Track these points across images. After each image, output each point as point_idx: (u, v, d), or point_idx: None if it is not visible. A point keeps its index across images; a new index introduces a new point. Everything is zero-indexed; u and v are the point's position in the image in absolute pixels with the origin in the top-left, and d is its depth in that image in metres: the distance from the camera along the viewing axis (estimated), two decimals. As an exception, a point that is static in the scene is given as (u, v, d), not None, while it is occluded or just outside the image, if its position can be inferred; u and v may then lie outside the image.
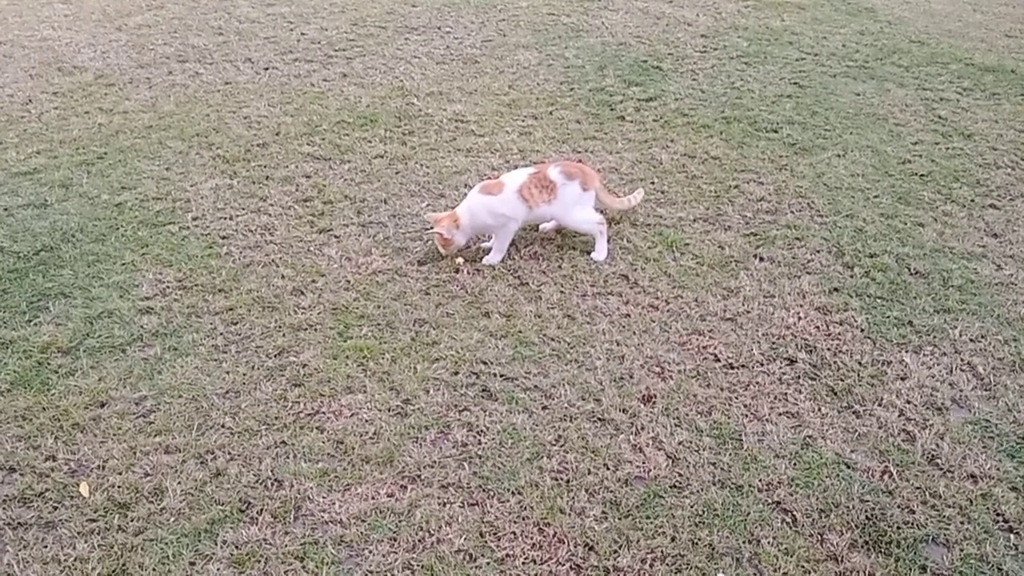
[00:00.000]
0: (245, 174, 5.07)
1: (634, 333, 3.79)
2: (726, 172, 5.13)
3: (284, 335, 3.76)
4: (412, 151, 5.36)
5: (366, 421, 3.29)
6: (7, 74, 6.53)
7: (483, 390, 3.46)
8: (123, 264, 4.22)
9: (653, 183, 5.01)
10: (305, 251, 4.36)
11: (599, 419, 3.33)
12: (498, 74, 6.54)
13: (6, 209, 4.69)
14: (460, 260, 4.29)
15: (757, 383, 3.51)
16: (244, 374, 3.53)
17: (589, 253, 4.33)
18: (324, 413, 3.34)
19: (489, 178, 4.94)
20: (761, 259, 4.32)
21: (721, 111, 5.92)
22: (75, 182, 4.97)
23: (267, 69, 6.61)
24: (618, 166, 5.20)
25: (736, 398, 3.43)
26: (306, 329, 3.80)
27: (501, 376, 3.53)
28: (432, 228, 4.22)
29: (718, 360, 3.65)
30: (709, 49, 7.09)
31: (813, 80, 6.46)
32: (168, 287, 4.06)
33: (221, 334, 3.76)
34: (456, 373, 3.55)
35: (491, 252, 4.30)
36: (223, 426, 3.27)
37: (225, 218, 4.63)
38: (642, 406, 3.38)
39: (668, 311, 3.94)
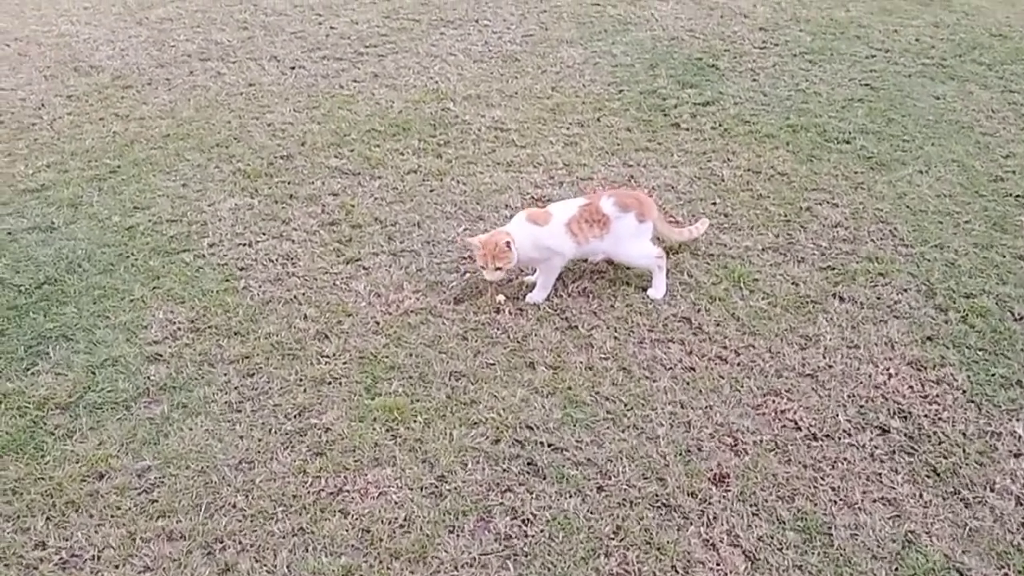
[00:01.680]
0: (267, 192, 4.66)
1: (700, 392, 3.33)
2: (796, 191, 4.62)
3: (305, 390, 3.35)
4: (448, 165, 4.91)
5: (396, 503, 2.88)
6: (21, 74, 6.17)
7: (528, 464, 3.03)
8: (132, 300, 3.84)
9: (715, 204, 4.52)
10: (331, 285, 3.95)
11: (664, 505, 2.88)
12: (540, 74, 6.05)
13: (10, 233, 4.33)
14: (501, 298, 3.85)
15: (846, 459, 3.04)
16: (260, 439, 3.14)
17: (645, 290, 3.86)
18: (348, 492, 2.93)
19: (533, 199, 4.49)
20: (841, 299, 3.82)
21: (786, 117, 5.38)
22: (85, 201, 4.59)
23: (293, 68, 6.18)
24: (675, 183, 4.70)
25: (822, 478, 2.97)
26: (330, 383, 3.39)
27: (549, 446, 3.10)
28: (474, 255, 3.76)
29: (799, 429, 3.18)
30: (769, 44, 6.53)
31: (886, 81, 5.88)
32: (179, 328, 3.67)
33: (236, 388, 3.37)
34: (498, 441, 3.12)
35: (535, 289, 3.85)
36: (234, 506, 2.88)
37: (244, 244, 4.23)
38: (713, 488, 2.93)
39: (738, 364, 3.47)
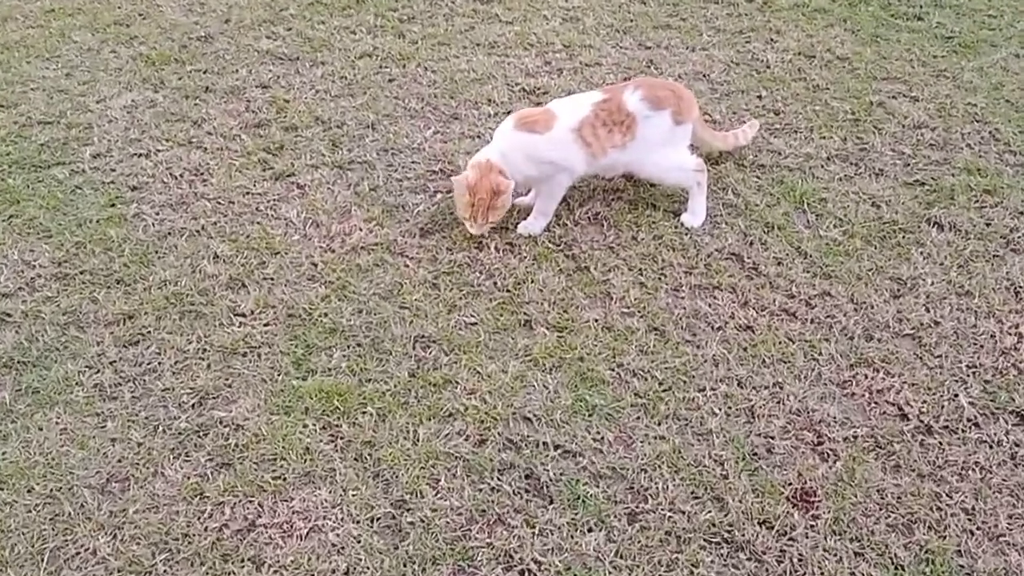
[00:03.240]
0: (176, 83, 3.56)
1: (764, 364, 2.39)
2: (862, 81, 3.58)
3: (210, 366, 2.38)
4: (412, 47, 3.80)
5: (333, 546, 1.95)
6: None
7: (527, 478, 2.11)
8: (-22, 233, 2.80)
9: (760, 97, 3.48)
10: (252, 211, 2.92)
11: (725, 541, 1.98)
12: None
13: None
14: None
15: (978, 464, 2.14)
16: (140, 444, 2.18)
17: (678, 215, 2.88)
18: (264, 528, 2.00)
19: (525, 93, 3.44)
20: (939, 226, 2.86)
21: (839, -13, 4.28)
22: (-68, 96, 3.48)
23: (220, -73, 4.93)
24: (706, 70, 3.64)
25: (949, 495, 2.06)
26: (245, 354, 2.41)
27: (556, 448, 2.16)
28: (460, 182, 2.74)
29: (905, 417, 2.25)
30: (808, -101, 5.32)
31: (956, -57, 4.75)
32: (39, 276, 2.66)
33: (111, 363, 2.39)
34: (483, 442, 2.18)
35: (531, 215, 2.85)
36: (94, 554, 1.94)
37: (140, 155, 3.17)
38: (795, 513, 2.02)
39: (812, 321, 2.52)
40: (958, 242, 2.78)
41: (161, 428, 2.22)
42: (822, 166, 3.11)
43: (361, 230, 2.82)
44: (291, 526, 2.00)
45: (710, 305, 2.57)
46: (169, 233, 2.82)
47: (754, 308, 2.56)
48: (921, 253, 2.74)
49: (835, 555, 1.94)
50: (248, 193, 2.99)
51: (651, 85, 2.82)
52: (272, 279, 2.65)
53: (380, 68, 3.66)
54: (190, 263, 2.70)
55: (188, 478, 2.10)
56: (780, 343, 2.45)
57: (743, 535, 1.98)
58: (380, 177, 3.06)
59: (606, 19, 4.02)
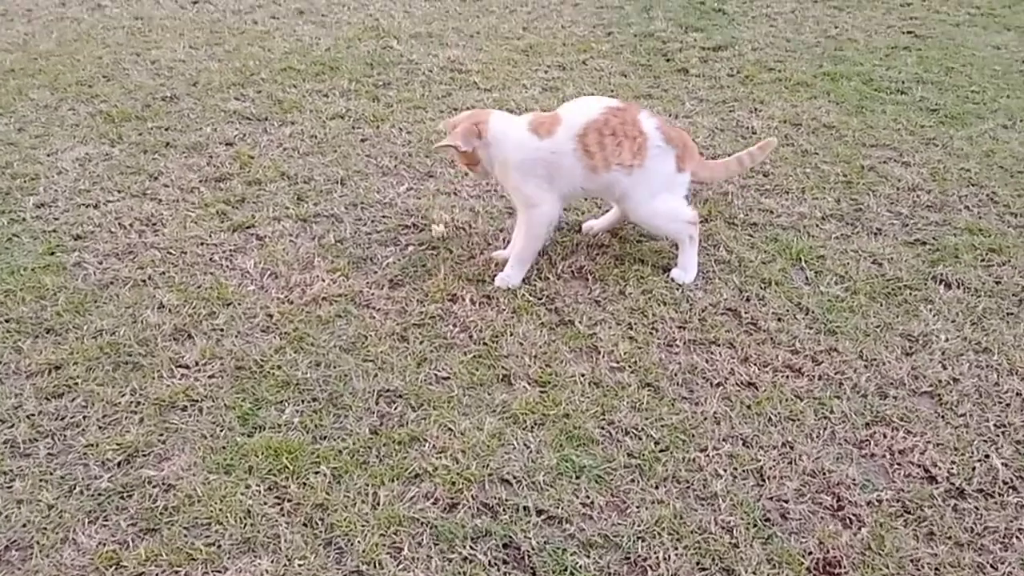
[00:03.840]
0: (134, 139, 3.37)
1: (770, 421, 2.13)
2: (850, 147, 3.47)
3: (143, 420, 2.08)
4: (387, 110, 3.67)
5: (272, 627, 1.62)
6: None
7: (506, 547, 1.80)
8: None
9: (748, 161, 3.34)
10: (205, 261, 2.67)
11: (740, 620, 1.67)
12: (508, 14, 4.85)
13: None
14: (440, 228, 2.71)
15: (1021, 531, 1.86)
16: (52, 505, 1.86)
17: (667, 270, 2.67)
18: (190, 604, 1.66)
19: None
20: (946, 284, 2.67)
21: (819, 65, 4.25)
22: None
23: (196, 2, 4.88)
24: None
25: (993, 567, 1.78)
26: (184, 408, 2.12)
27: (539, 514, 1.87)
28: (442, 143, 2.58)
29: (933, 480, 1.99)
30: (783, -10, 5.41)
31: (932, 29, 4.80)
32: (-41, 323, 2.37)
33: (29, 417, 2.08)
34: (454, 507, 1.88)
35: (508, 265, 2.62)
36: (-23, 636, 1.60)
37: (87, 205, 2.94)
38: (819, 588, 1.73)
39: (819, 378, 2.28)
40: (968, 299, 2.59)
41: (78, 488, 1.90)
42: (817, 225, 2.94)
43: (323, 280, 2.57)
44: (223, 603, 1.67)
45: (707, 361, 2.33)
46: (111, 282, 2.56)
47: (755, 364, 2.32)
48: (930, 310, 2.54)
49: (869, 636, 1.65)
50: (202, 243, 2.75)
51: (664, 121, 2.65)
52: (222, 330, 2.38)
53: (352, 128, 3.51)
54: (131, 313, 2.43)
55: (104, 545, 1.77)
56: (787, 400, 2.20)
57: (760, 612, 1.68)
58: (347, 230, 2.84)
59: (587, 88, 3.93)
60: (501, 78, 3.98)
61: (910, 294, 2.61)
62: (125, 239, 2.75)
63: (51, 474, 1.93)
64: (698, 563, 1.78)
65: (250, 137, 3.41)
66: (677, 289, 2.60)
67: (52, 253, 2.68)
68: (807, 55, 4.38)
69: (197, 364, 2.25)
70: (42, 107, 3.60)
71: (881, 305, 2.56)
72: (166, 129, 3.45)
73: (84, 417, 2.08)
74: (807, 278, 2.68)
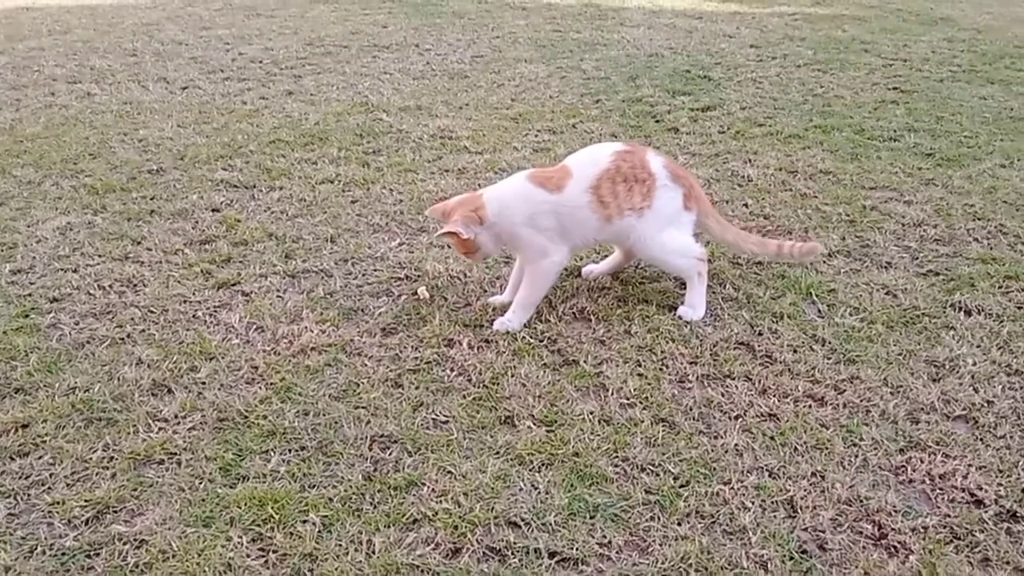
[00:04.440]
0: (118, 208, 3.29)
1: (796, 451, 1.97)
2: (849, 190, 3.40)
3: (115, 475, 1.90)
4: (377, 173, 3.61)
5: None
6: None
7: (517, 591, 1.62)
8: None
9: (747, 205, 3.27)
10: (188, 318, 2.54)
11: (785, 660, 1.48)
12: (496, 87, 4.87)
13: None
14: (424, 291, 2.58)
15: (1085, 554, 1.69)
16: (7, 569, 1.67)
17: (674, 309, 2.54)
18: (160, 667, 1.46)
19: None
20: (966, 311, 2.54)
21: (809, 119, 4.25)
22: None
23: (185, 88, 4.91)
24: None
25: (1061, 593, 1.60)
26: (160, 463, 1.95)
27: (552, 556, 1.69)
28: (441, 229, 2.48)
29: (981, 504, 1.82)
30: (766, 58, 5.49)
31: (917, 85, 4.83)
32: (-77, 387, 2.22)
33: (-10, 477, 1.91)
34: (457, 552, 1.70)
35: (509, 310, 2.50)
36: None
37: (66, 270, 2.82)
38: (871, 622, 1.54)
39: (844, 406, 2.13)
40: (991, 324, 2.46)
41: (39, 549, 1.71)
42: (824, 261, 2.83)
43: (312, 331, 2.44)
44: (197, 664, 1.47)
45: (723, 394, 2.18)
46: (87, 341, 2.42)
47: (775, 395, 2.17)
48: (953, 336, 2.41)
49: (933, 672, 1.45)
50: (185, 301, 2.62)
51: (669, 159, 2.58)
52: (203, 383, 2.22)
53: (342, 191, 3.43)
54: (107, 370, 2.28)
55: (64, 609, 1.58)
56: (812, 429, 2.04)
57: (807, 651, 1.48)
58: (337, 283, 2.72)
59: (578, 147, 3.88)
60: (492, 142, 3.95)
61: (929, 322, 2.48)
62: (104, 299, 2.63)
63: (11, 535, 1.75)
64: (732, 601, 1.59)
65: (237, 203, 3.34)
66: (685, 326, 2.47)
67: (26, 315, 2.54)
68: (796, 112, 4.38)
69: (176, 417, 2.09)
70: (24, 183, 3.53)
71: (901, 334, 2.43)
72: (151, 198, 3.37)
73: (51, 475, 1.91)
74: (819, 311, 2.55)
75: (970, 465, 1.92)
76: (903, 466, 1.93)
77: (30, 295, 2.67)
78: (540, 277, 2.48)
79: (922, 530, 1.75)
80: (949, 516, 1.79)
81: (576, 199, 2.43)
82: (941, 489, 1.86)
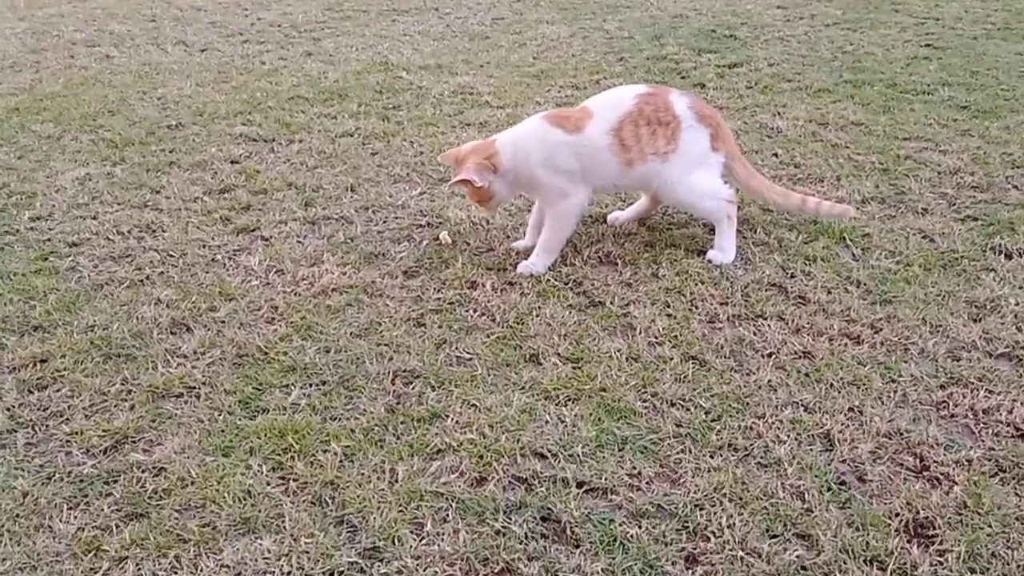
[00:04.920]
0: (137, 160, 3.26)
1: (832, 387, 1.90)
2: (882, 140, 3.30)
3: (133, 407, 1.87)
4: (398, 127, 3.55)
5: (274, 609, 1.38)
6: None
7: (544, 519, 1.56)
8: None
9: (776, 155, 3.19)
10: (208, 261, 2.50)
11: (825, 586, 1.42)
12: (517, 47, 4.79)
13: None
14: (445, 235, 2.52)
15: None
16: (25, 495, 1.64)
17: (702, 253, 2.47)
18: (179, 588, 1.43)
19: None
20: (1006, 254, 2.45)
21: (839, 75, 4.13)
22: None
23: (204, 51, 4.87)
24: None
25: (1115, 523, 1.52)
26: (179, 396, 1.91)
27: (580, 486, 1.64)
28: (453, 178, 2.43)
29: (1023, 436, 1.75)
30: (793, 18, 5.36)
31: (950, 42, 4.69)
32: (-59, 325, 2.19)
33: (7, 409, 1.88)
34: (482, 481, 1.65)
35: (533, 254, 2.44)
36: (-70, 629, 1.36)
37: (85, 217, 2.79)
38: (912, 548, 1.47)
39: (882, 344, 2.05)
40: (1034, 267, 2.37)
41: (57, 476, 1.68)
42: (858, 207, 2.75)
43: (332, 273, 2.39)
44: (217, 586, 1.43)
45: (755, 333, 2.11)
46: (106, 283, 2.38)
47: (809, 334, 2.10)
48: (994, 278, 2.32)
49: (980, 600, 1.38)
50: (204, 246, 2.58)
51: (695, 98, 2.51)
52: (223, 322, 2.19)
53: (363, 144, 3.38)
54: (126, 310, 2.24)
55: (82, 530, 1.54)
56: (848, 366, 1.97)
57: (847, 578, 1.42)
58: (358, 229, 2.67)
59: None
60: (513, 97, 3.88)
61: (968, 264, 2.40)
62: (123, 244, 2.60)
63: (27, 463, 1.72)
64: (767, 529, 1.53)
65: (256, 155, 3.29)
66: (715, 269, 2.40)
67: (45, 259, 2.52)
68: (825, 68, 4.27)
69: (195, 353, 2.05)
70: (44, 137, 3.51)
71: (939, 275, 2.34)
72: (170, 151, 3.34)
73: (69, 406, 1.88)
74: (854, 254, 2.47)
75: (1015, 400, 1.85)
76: (944, 401, 1.86)
77: (49, 240, 2.64)
78: (561, 220, 2.41)
79: (966, 463, 1.68)
80: (994, 449, 1.71)
81: (596, 140, 2.36)
82: (985, 423, 1.79)
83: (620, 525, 1.54)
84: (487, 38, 5.03)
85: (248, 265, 2.46)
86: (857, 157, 3.14)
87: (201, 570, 1.45)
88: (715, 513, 1.56)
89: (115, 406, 1.87)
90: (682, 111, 2.40)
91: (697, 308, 2.22)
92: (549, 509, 1.58)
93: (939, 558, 1.46)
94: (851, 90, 3.90)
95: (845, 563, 1.45)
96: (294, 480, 1.65)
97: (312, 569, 1.46)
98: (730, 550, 1.48)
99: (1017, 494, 1.60)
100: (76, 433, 1.79)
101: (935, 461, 1.68)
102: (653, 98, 2.41)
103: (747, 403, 1.86)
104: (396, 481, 1.64)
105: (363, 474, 1.67)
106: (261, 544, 1.50)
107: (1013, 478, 1.64)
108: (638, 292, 2.30)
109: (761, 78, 4.12)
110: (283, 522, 1.55)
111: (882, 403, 1.85)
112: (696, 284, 2.32)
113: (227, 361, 2.02)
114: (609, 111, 2.40)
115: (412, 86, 4.08)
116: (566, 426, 1.80)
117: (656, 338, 2.10)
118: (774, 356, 2.02)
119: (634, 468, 1.68)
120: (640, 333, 2.11)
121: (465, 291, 2.31)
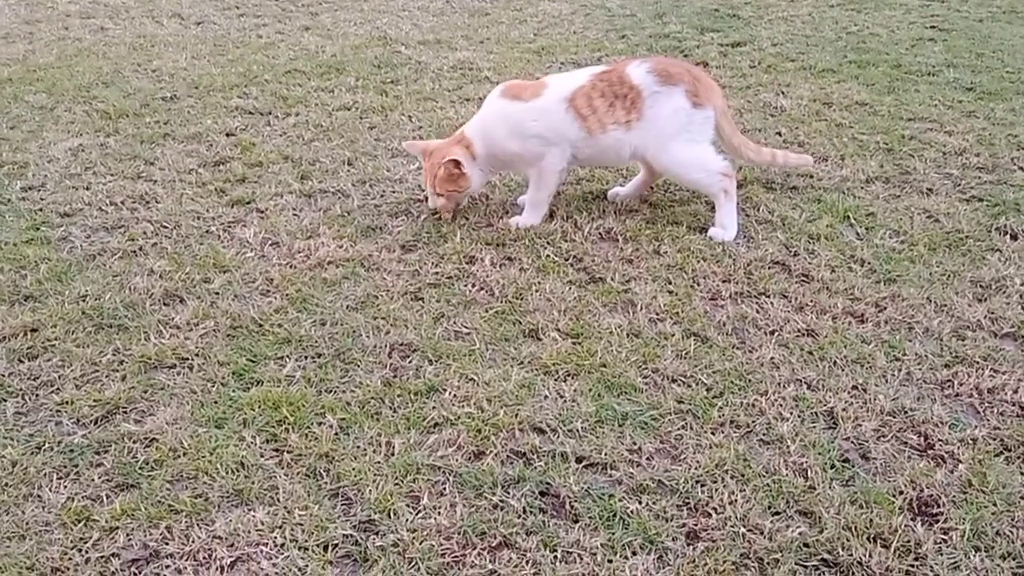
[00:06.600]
0: (131, 131, 3.20)
1: (835, 365, 1.88)
2: (887, 120, 3.26)
3: (125, 377, 1.84)
4: (396, 101, 3.50)
5: (267, 580, 1.36)
6: None
7: (543, 494, 1.54)
8: None
9: (779, 134, 3.15)
10: (202, 233, 2.46)
11: (826, 562, 1.40)
12: (518, 23, 4.74)
13: None
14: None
15: None
16: (14, 464, 1.61)
17: (704, 230, 2.44)
18: (170, 557, 1.40)
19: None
20: (1012, 235, 2.42)
21: (843, 55, 4.08)
22: None
23: (200, 23, 4.80)
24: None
25: (1122, 503, 1.50)
26: (172, 367, 1.88)
27: (579, 461, 1.61)
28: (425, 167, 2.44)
29: (1031, 417, 1.72)
30: (797, -1, 5.31)
31: (955, 24, 4.65)
32: (-70, 293, 2.15)
33: (-3, 378, 1.85)
34: (480, 455, 1.63)
35: (524, 210, 2.42)
36: (-85, 598, 1.33)
37: (78, 188, 2.75)
38: (917, 526, 1.45)
39: (886, 323, 2.02)
40: (1040, 248, 2.35)
41: (47, 445, 1.65)
42: (862, 187, 2.71)
43: (328, 246, 2.35)
44: (209, 555, 1.40)
45: (758, 311, 2.08)
46: (99, 253, 2.34)
47: (812, 312, 2.07)
48: (999, 258, 2.29)
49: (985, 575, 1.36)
50: (199, 217, 2.54)
51: (662, 60, 2.48)
52: (217, 293, 2.15)
53: (360, 118, 3.33)
54: (119, 280, 2.21)
55: (72, 500, 1.51)
56: (852, 344, 1.94)
57: (851, 554, 1.40)
58: (355, 203, 2.63)
59: (603, 79, 3.76)
60: (514, 73, 3.83)
61: (974, 244, 2.37)
62: (116, 215, 2.55)
63: (16, 432, 1.69)
64: (769, 506, 1.51)
65: (252, 128, 3.24)
66: (717, 246, 2.36)
67: (37, 228, 2.48)
68: (829, 48, 4.22)
69: (188, 324, 2.02)
70: (37, 108, 3.45)
71: (944, 255, 2.31)
72: (165, 123, 3.29)
73: (59, 376, 1.84)
74: (858, 233, 2.44)
75: (1019, 380, 1.82)
76: (949, 380, 1.83)
77: (40, 210, 2.60)
78: (544, 174, 2.44)
79: (971, 441, 1.65)
80: (999, 428, 1.69)
81: (551, 107, 2.38)
82: (990, 403, 1.76)
83: (620, 500, 1.51)
84: (487, 14, 4.97)
85: (243, 237, 2.42)
86: (861, 137, 3.10)
87: (193, 540, 1.43)
88: (716, 489, 1.54)
89: (106, 376, 1.84)
90: (641, 79, 2.37)
91: (699, 285, 2.19)
92: (548, 483, 1.55)
93: (943, 536, 1.44)
94: (855, 70, 3.86)
95: (848, 540, 1.42)
96: (288, 452, 1.62)
97: (306, 541, 1.43)
98: (732, 526, 1.46)
99: (1021, 473, 1.58)
100: (67, 403, 1.76)
101: (939, 440, 1.66)
102: (607, 74, 2.42)
103: (749, 380, 1.83)
104: (392, 454, 1.62)
105: (359, 447, 1.64)
106: (254, 516, 1.47)
107: (1018, 457, 1.62)
108: (639, 268, 2.26)
109: (764, 57, 4.07)
110: (277, 494, 1.52)
111: (886, 381, 1.83)
112: (698, 261, 2.29)
113: (221, 332, 1.99)
114: (564, 83, 2.44)
115: (411, 61, 4.03)
116: (565, 401, 1.77)
117: (657, 314, 2.07)
118: (777, 334, 1.99)
119: (634, 444, 1.66)
120: (641, 309, 2.08)
121: (463, 265, 2.28)
